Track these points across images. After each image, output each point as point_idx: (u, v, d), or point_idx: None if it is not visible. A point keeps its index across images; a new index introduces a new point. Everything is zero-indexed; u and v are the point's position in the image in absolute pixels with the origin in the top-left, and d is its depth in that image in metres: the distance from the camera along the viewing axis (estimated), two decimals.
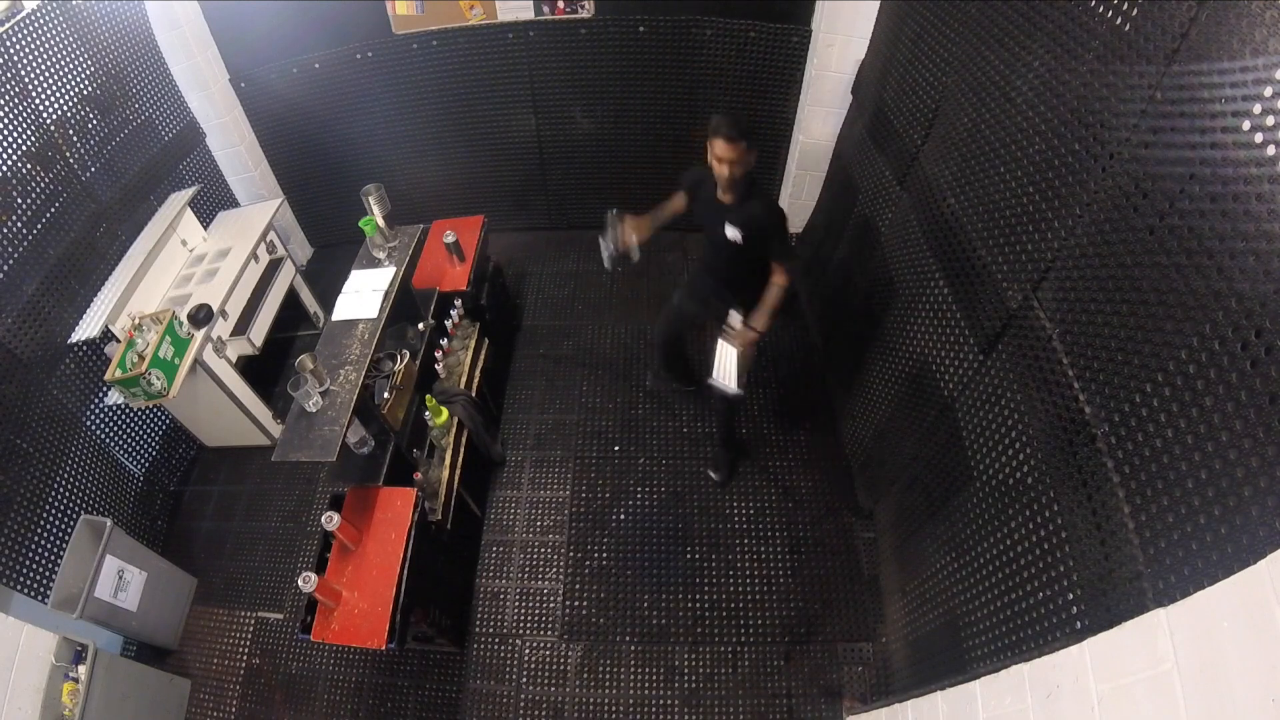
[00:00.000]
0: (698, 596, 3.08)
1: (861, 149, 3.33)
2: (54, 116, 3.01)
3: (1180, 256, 1.31)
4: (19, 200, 2.82)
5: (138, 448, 3.49)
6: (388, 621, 2.33)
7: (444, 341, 3.36)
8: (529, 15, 3.79)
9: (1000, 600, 1.91)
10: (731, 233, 2.62)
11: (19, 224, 2.82)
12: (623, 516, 3.37)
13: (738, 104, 4.06)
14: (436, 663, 3.00)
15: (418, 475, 2.86)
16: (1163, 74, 1.40)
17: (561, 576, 3.20)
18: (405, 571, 2.45)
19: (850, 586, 3.08)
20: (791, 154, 4.22)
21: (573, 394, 3.90)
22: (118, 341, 3.03)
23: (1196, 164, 1.28)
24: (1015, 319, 1.93)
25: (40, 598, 2.66)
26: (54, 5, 3.00)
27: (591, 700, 2.85)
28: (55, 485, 2.91)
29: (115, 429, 3.34)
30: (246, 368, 3.53)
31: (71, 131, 3.10)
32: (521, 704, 2.87)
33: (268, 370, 3.79)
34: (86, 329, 2.99)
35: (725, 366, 2.60)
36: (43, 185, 2.94)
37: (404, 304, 3.17)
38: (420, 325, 3.25)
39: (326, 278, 4.38)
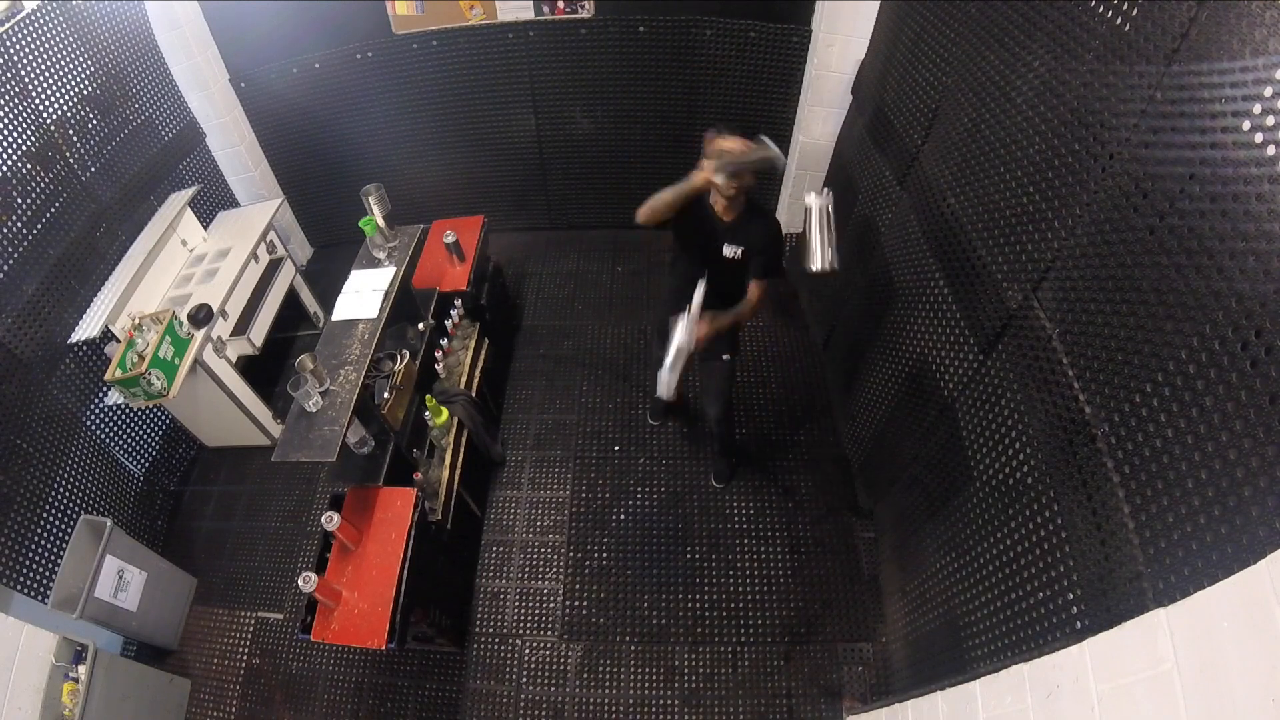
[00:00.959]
0: (698, 596, 3.09)
1: (861, 149, 3.33)
2: (54, 116, 3.01)
3: (1180, 256, 1.31)
4: (19, 200, 2.82)
5: (138, 448, 3.49)
6: (388, 621, 2.33)
7: (444, 341, 3.36)
8: (529, 15, 3.79)
9: (1000, 600, 1.91)
10: (730, 251, 2.51)
11: (19, 224, 2.82)
12: (623, 516, 3.37)
13: (738, 104, 4.06)
14: (436, 663, 3.00)
15: (418, 475, 2.86)
16: (1163, 74, 1.39)
17: (561, 576, 3.20)
18: (405, 571, 2.45)
19: (850, 586, 3.08)
20: (791, 154, 4.22)
21: (573, 394, 3.90)
22: (118, 341, 3.03)
23: (1196, 164, 1.28)
24: (1015, 319, 1.93)
25: (40, 598, 2.66)
26: (54, 5, 3.00)
27: (591, 700, 2.85)
28: (55, 485, 2.91)
29: (115, 429, 3.34)
30: (246, 368, 3.53)
31: (71, 131, 3.10)
32: (521, 704, 2.87)
33: (268, 370, 3.79)
34: (86, 329, 2.99)
35: (670, 353, 2.46)
36: (43, 185, 2.94)
37: (404, 304, 3.17)
38: (420, 325, 3.25)
39: (326, 278, 4.38)
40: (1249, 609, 1.01)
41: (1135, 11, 1.50)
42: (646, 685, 2.87)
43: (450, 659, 3.00)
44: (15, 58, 2.82)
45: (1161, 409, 1.33)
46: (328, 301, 3.54)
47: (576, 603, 3.11)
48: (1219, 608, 1.08)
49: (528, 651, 3.00)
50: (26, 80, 2.88)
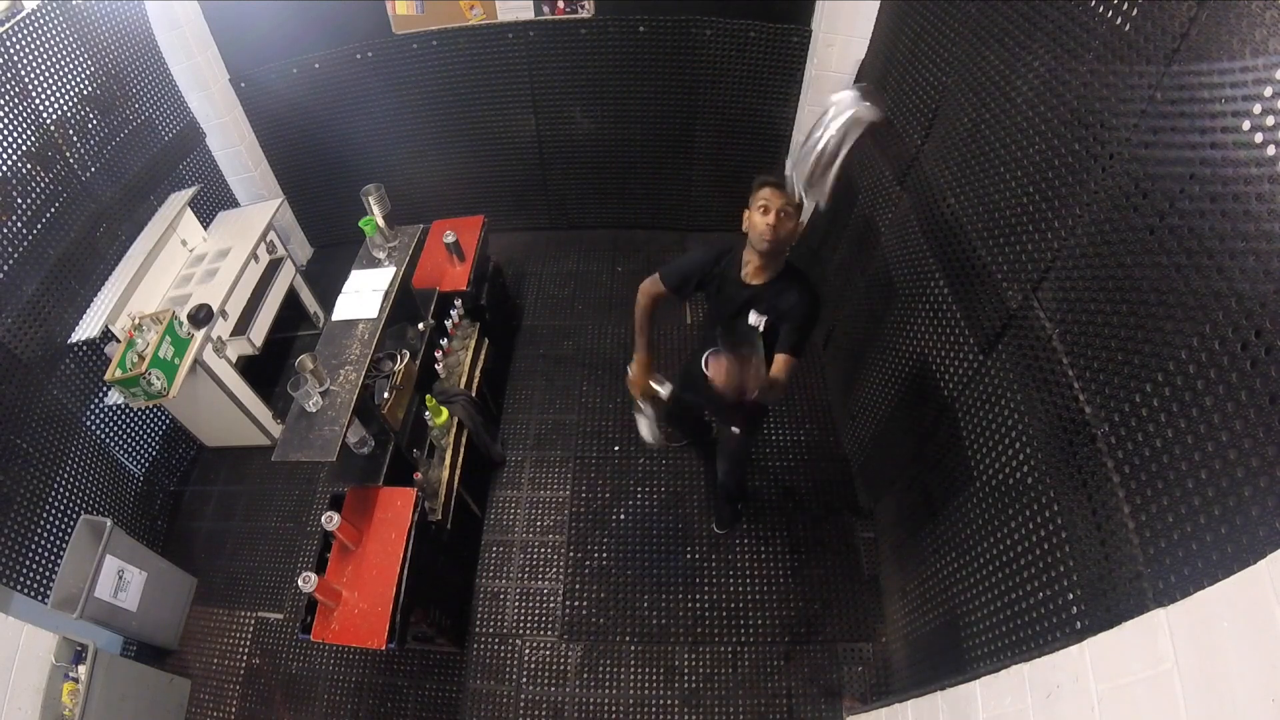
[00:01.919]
0: (698, 596, 3.08)
1: (861, 149, 3.32)
2: (54, 116, 3.01)
3: (1180, 256, 1.31)
4: (19, 200, 2.82)
5: (138, 448, 3.49)
6: (388, 621, 2.33)
7: (444, 341, 3.36)
8: (529, 15, 3.79)
9: (1000, 600, 1.91)
10: (755, 320, 2.12)
11: (19, 224, 2.82)
12: (623, 516, 3.37)
13: (738, 104, 4.06)
14: (436, 663, 3.00)
15: (418, 475, 2.86)
16: (1163, 74, 1.40)
17: (561, 576, 3.20)
18: (405, 571, 2.45)
19: (850, 586, 3.08)
20: (791, 154, 4.21)
21: (573, 394, 3.90)
22: (118, 341, 3.03)
23: (1196, 164, 1.28)
24: (1015, 319, 1.93)
25: (40, 598, 2.66)
26: (54, 5, 3.00)
27: (591, 700, 2.85)
28: (55, 485, 2.91)
29: (115, 429, 3.34)
30: (246, 368, 3.53)
31: (71, 131, 3.10)
32: (521, 704, 2.87)
33: (268, 370, 3.79)
34: (86, 329, 2.99)
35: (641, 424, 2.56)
36: (43, 185, 2.94)
37: (404, 304, 3.17)
38: (420, 325, 3.25)
39: (326, 278, 4.37)
40: (1249, 609, 1.01)
41: (1135, 11, 1.50)
42: (646, 685, 2.87)
43: (450, 659, 3.00)
44: (15, 58, 2.82)
45: (1161, 409, 1.33)
46: (328, 301, 3.54)
47: (576, 603, 3.11)
48: (1219, 608, 1.08)
49: (528, 651, 3.00)
50: (26, 80, 2.87)
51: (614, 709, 2.83)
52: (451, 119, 4.26)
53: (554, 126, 4.29)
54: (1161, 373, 1.33)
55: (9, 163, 2.79)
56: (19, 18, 2.84)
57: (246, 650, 3.13)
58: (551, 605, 3.11)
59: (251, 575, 3.36)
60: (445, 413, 3.11)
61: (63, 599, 2.62)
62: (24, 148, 2.85)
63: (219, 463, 3.82)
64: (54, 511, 2.87)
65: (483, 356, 3.56)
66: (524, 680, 2.93)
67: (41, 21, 2.94)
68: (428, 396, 3.06)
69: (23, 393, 2.79)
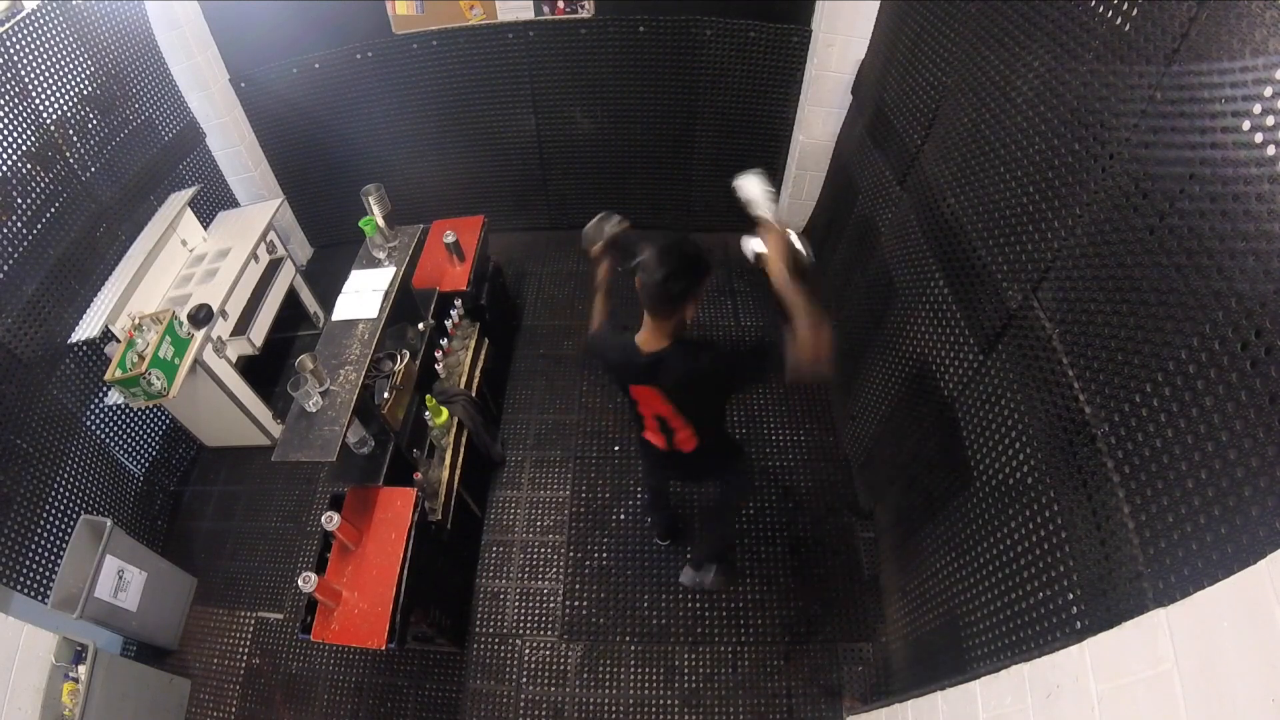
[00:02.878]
0: (698, 596, 3.08)
1: (861, 149, 3.33)
2: (54, 116, 3.01)
3: (1180, 256, 1.31)
4: (19, 200, 2.82)
5: (138, 448, 3.49)
6: (388, 621, 2.33)
7: (444, 341, 3.36)
8: (529, 15, 3.79)
9: (1000, 600, 1.91)
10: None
11: (19, 224, 2.82)
12: (623, 516, 3.37)
13: (738, 104, 4.06)
14: (436, 663, 3.00)
15: (418, 475, 2.86)
16: (1163, 74, 1.39)
17: (561, 576, 3.20)
18: (405, 571, 2.45)
19: (850, 586, 3.08)
20: (791, 154, 4.22)
21: (573, 394, 3.90)
22: (118, 341, 3.03)
23: (1196, 164, 1.28)
24: (1015, 319, 1.93)
25: (40, 598, 2.66)
26: (54, 5, 3.00)
27: (591, 700, 2.85)
28: (55, 485, 2.91)
29: (115, 429, 3.34)
30: (246, 368, 3.53)
31: (71, 131, 3.10)
32: (521, 704, 2.87)
33: (268, 370, 3.79)
34: (86, 329, 2.99)
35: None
36: (43, 185, 2.94)
37: (404, 304, 3.17)
38: (420, 325, 3.25)
39: (326, 278, 4.37)
40: (1249, 609, 1.01)
41: (1135, 11, 1.50)
42: (646, 685, 2.87)
43: (450, 659, 3.00)
44: (15, 58, 2.82)
45: (1161, 409, 1.33)
46: (328, 301, 3.54)
47: (576, 603, 3.11)
48: (1219, 608, 1.08)
49: (528, 651, 3.00)
50: (26, 80, 2.87)
51: (614, 709, 2.83)
52: (451, 119, 4.26)
53: (554, 126, 4.29)
54: (1161, 373, 1.33)
55: (9, 163, 2.79)
56: (19, 18, 2.84)
57: (246, 650, 3.13)
58: (551, 605, 3.11)
59: (251, 575, 3.36)
60: (445, 413, 3.11)
61: (63, 599, 2.62)
62: (24, 148, 2.85)
63: (219, 463, 3.82)
64: (54, 511, 2.87)
65: (483, 356, 3.56)
66: (524, 680, 2.93)
67: (41, 21, 2.95)
68: (428, 396, 3.06)
69: (23, 393, 2.79)
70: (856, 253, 3.36)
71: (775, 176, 4.40)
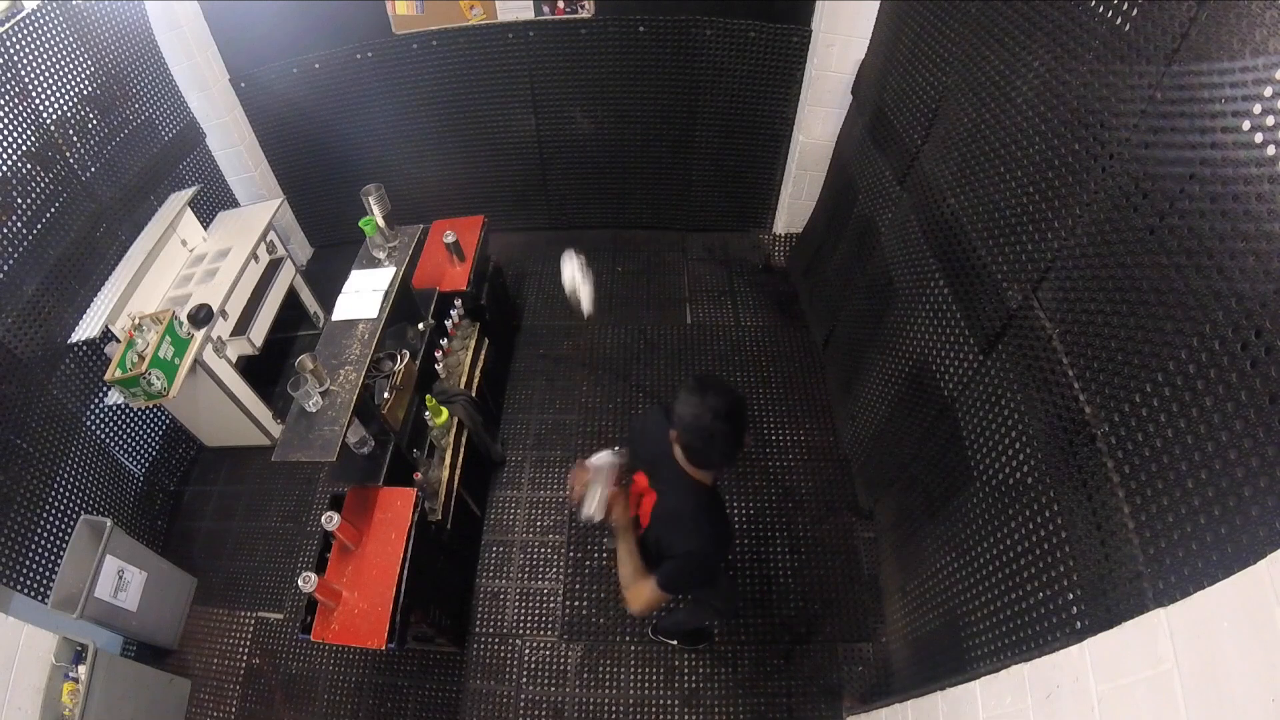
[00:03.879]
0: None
1: (861, 149, 3.33)
2: (54, 116, 3.01)
3: (1180, 256, 1.31)
4: (19, 200, 2.82)
5: (138, 448, 3.49)
6: (388, 621, 2.33)
7: (444, 341, 3.36)
8: (529, 15, 3.79)
9: (1000, 600, 1.91)
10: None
11: (19, 224, 2.82)
12: None
13: (738, 104, 4.06)
14: (436, 663, 3.00)
15: (418, 475, 2.86)
16: (1163, 74, 1.40)
17: (561, 576, 3.20)
18: (405, 571, 2.45)
19: (850, 586, 3.08)
20: (791, 154, 4.22)
21: (573, 394, 3.89)
22: (118, 341, 3.03)
23: (1196, 164, 1.28)
24: (1015, 319, 1.93)
25: (40, 598, 2.66)
26: (54, 5, 3.00)
27: (591, 700, 2.85)
28: (55, 485, 2.91)
29: (115, 429, 3.34)
30: (246, 368, 3.52)
31: (71, 131, 3.10)
32: (521, 704, 2.87)
33: (268, 370, 3.79)
34: (86, 329, 2.99)
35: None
36: (43, 185, 2.94)
37: (404, 304, 3.17)
38: (420, 325, 3.25)
39: (326, 278, 4.37)
40: (1249, 609, 1.01)
41: (1135, 11, 1.50)
42: (646, 685, 2.87)
43: (450, 659, 3.00)
44: (15, 58, 2.82)
45: (1161, 409, 1.33)
46: (328, 301, 3.54)
47: (576, 603, 3.11)
48: (1219, 608, 1.08)
49: (528, 651, 3.00)
50: (26, 80, 2.87)
51: (614, 709, 2.83)
52: (451, 119, 4.26)
53: (554, 126, 4.29)
54: (1161, 373, 1.33)
55: (9, 163, 2.79)
56: (19, 18, 2.84)
57: (246, 650, 3.13)
58: (551, 605, 3.11)
59: (251, 575, 3.36)
60: (445, 413, 3.11)
61: (63, 599, 2.62)
62: (24, 148, 2.85)
63: (219, 463, 3.82)
64: (54, 511, 2.87)
65: (483, 356, 3.56)
66: (524, 680, 2.93)
67: (41, 21, 2.94)
68: (428, 396, 3.06)
69: (23, 393, 2.78)
70: (856, 253, 3.36)
71: (775, 176, 4.40)
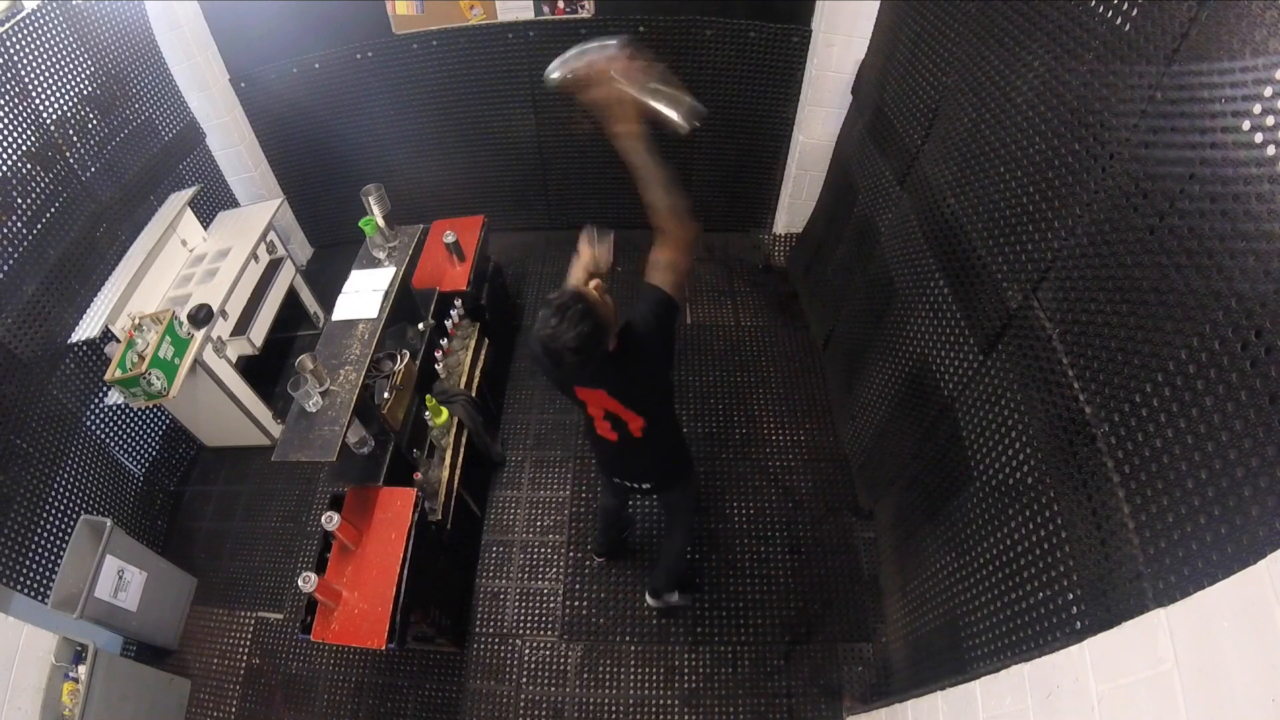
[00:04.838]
0: (698, 596, 3.08)
1: (861, 149, 3.33)
2: (54, 116, 3.01)
3: (1180, 256, 1.31)
4: (19, 200, 2.82)
5: (138, 448, 3.49)
6: (388, 621, 2.33)
7: (444, 341, 3.36)
8: (529, 15, 3.79)
9: (1000, 600, 1.91)
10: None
11: (19, 224, 2.82)
12: None
13: (738, 104, 4.06)
14: (436, 663, 3.00)
15: (418, 475, 2.86)
16: (1163, 74, 1.39)
17: (561, 576, 3.20)
18: (405, 571, 2.45)
19: (850, 586, 3.08)
20: (791, 154, 4.22)
21: None
22: (118, 341, 3.03)
23: (1196, 164, 1.28)
24: (1015, 319, 1.93)
25: (40, 598, 2.66)
26: (54, 5, 3.00)
27: (591, 700, 2.85)
28: (55, 485, 2.91)
29: (115, 429, 3.34)
30: (246, 368, 3.53)
31: (71, 131, 3.10)
32: (521, 704, 2.87)
33: (268, 370, 3.79)
34: (86, 329, 2.99)
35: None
36: (43, 185, 2.94)
37: (404, 304, 3.17)
38: (420, 325, 3.25)
39: (326, 278, 4.37)
40: (1249, 609, 1.01)
41: (1135, 11, 1.50)
42: (646, 685, 2.87)
43: (450, 659, 3.00)
44: (15, 58, 2.82)
45: (1161, 409, 1.33)
46: (328, 301, 3.54)
47: (576, 603, 3.11)
48: (1219, 608, 1.08)
49: (528, 651, 3.00)
50: (26, 80, 2.87)
51: (614, 709, 2.83)
52: (451, 119, 4.26)
53: (554, 126, 4.29)
54: (1161, 373, 1.33)
55: (9, 163, 2.79)
56: (19, 18, 2.84)
57: (246, 650, 3.13)
58: (551, 605, 3.11)
59: (251, 575, 3.36)
60: (445, 413, 3.11)
61: (63, 599, 2.62)
62: (24, 148, 2.85)
63: (219, 463, 3.81)
64: (54, 511, 2.87)
65: (483, 356, 3.56)
66: (524, 680, 2.93)
67: (41, 21, 2.95)
68: (428, 396, 3.06)
69: (23, 393, 2.79)
70: (856, 253, 3.36)
71: (775, 176, 4.40)
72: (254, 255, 3.66)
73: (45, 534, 2.79)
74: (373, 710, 2.91)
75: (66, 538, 2.79)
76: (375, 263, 3.17)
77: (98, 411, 3.21)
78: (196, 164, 3.98)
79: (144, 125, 3.56)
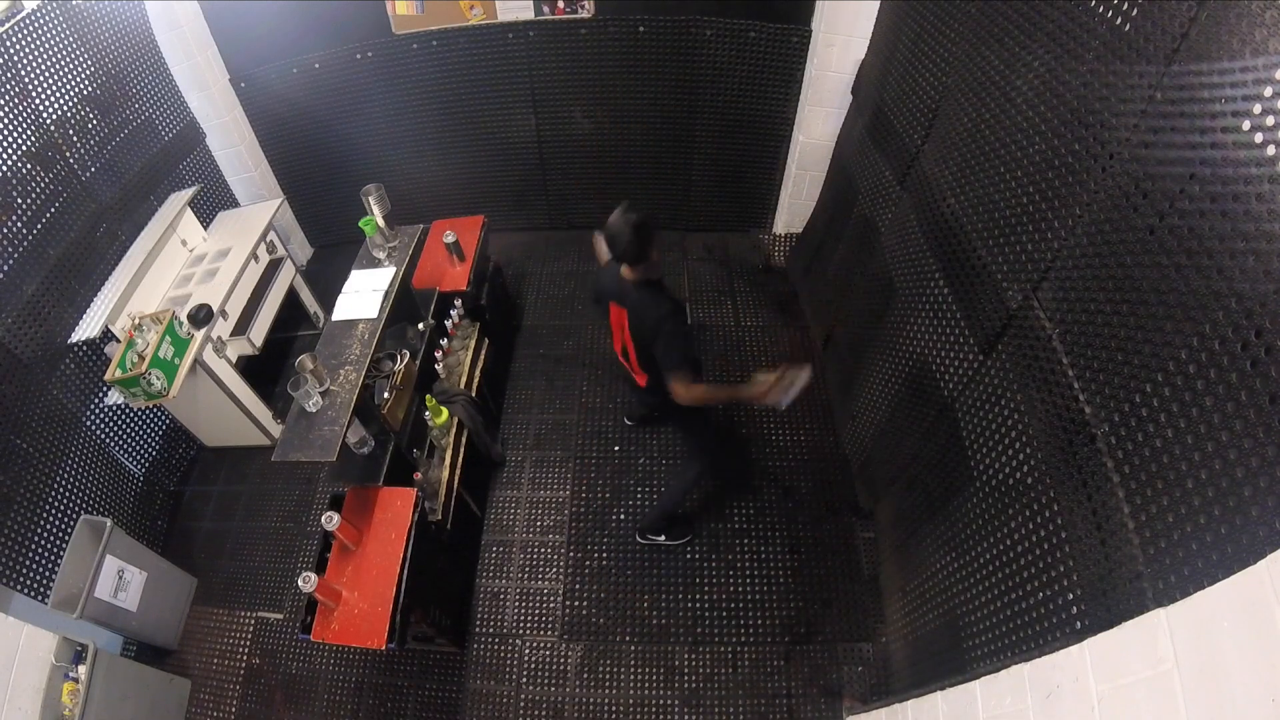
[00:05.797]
0: (698, 596, 3.08)
1: (861, 149, 3.33)
2: (54, 116, 3.01)
3: (1180, 256, 1.31)
4: (19, 200, 2.82)
5: (138, 448, 3.49)
6: (388, 621, 2.33)
7: (444, 341, 3.36)
8: (529, 15, 3.79)
9: (1000, 600, 1.91)
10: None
11: (19, 224, 2.82)
12: (622, 516, 3.37)
13: (738, 104, 4.06)
14: (436, 663, 3.00)
15: (418, 475, 2.86)
16: (1163, 74, 1.40)
17: (561, 576, 3.20)
18: (405, 571, 2.45)
19: (850, 586, 3.08)
20: (791, 154, 4.22)
21: (573, 394, 3.89)
22: (118, 341, 3.03)
23: (1196, 164, 1.28)
24: (1015, 319, 1.93)
25: (40, 598, 2.66)
26: (54, 5, 3.00)
27: (591, 700, 2.85)
28: (55, 485, 2.91)
29: (115, 429, 3.34)
30: (246, 368, 3.53)
31: (71, 131, 3.10)
32: (521, 704, 2.87)
33: (268, 370, 3.79)
34: (86, 329, 2.99)
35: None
36: (43, 185, 2.94)
37: (404, 304, 3.17)
38: (420, 325, 3.25)
39: (326, 278, 4.37)
40: (1249, 609, 1.01)
41: (1135, 11, 1.50)
42: (646, 685, 2.87)
43: (450, 659, 3.00)
44: (15, 58, 2.82)
45: (1161, 409, 1.33)
46: (328, 301, 3.54)
47: (576, 603, 3.11)
48: (1219, 608, 1.08)
49: (528, 651, 3.00)
50: (26, 80, 2.87)
51: (614, 709, 2.83)
52: (451, 119, 4.26)
53: (554, 126, 4.29)
54: (1161, 373, 1.33)
55: (9, 163, 2.79)
56: (19, 18, 2.84)
57: (246, 650, 3.13)
58: (551, 605, 3.11)
59: (251, 575, 3.36)
60: (445, 413, 3.11)
61: (63, 599, 2.62)
62: (24, 148, 2.85)
63: (219, 463, 3.81)
64: (54, 511, 2.87)
65: (483, 356, 3.56)
66: (524, 680, 2.93)
67: (41, 21, 2.95)
68: (428, 396, 3.06)
69: (23, 393, 2.79)
70: (856, 253, 3.36)
71: (775, 176, 4.40)
72: (254, 255, 3.66)
73: (45, 534, 2.79)
74: (373, 710, 2.91)
75: (66, 538, 2.79)
76: (375, 263, 3.17)
77: (98, 411, 3.21)
78: (196, 164, 3.98)
79: (144, 125, 3.56)
